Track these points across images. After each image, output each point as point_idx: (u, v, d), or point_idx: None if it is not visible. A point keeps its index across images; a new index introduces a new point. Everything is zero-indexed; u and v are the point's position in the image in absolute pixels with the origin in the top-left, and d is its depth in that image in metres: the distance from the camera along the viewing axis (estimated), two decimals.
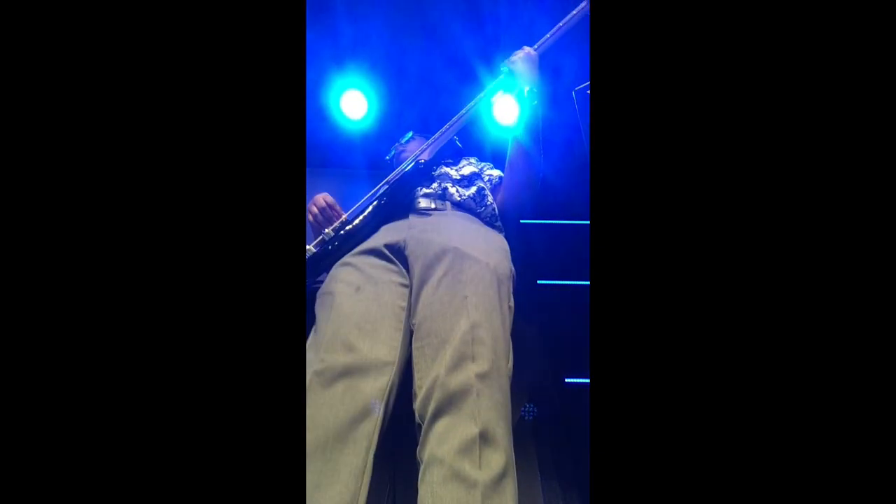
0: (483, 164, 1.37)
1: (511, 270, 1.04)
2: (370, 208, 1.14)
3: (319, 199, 1.18)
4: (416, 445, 0.78)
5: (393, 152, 1.49)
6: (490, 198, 1.24)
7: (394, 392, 0.85)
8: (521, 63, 1.23)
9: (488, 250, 1.00)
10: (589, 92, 1.35)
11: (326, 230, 1.13)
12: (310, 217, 1.19)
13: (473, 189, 1.23)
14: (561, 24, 1.27)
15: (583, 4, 1.27)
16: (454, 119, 1.25)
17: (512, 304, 0.98)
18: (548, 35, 1.27)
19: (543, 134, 1.18)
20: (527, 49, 1.26)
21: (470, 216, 1.18)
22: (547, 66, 1.27)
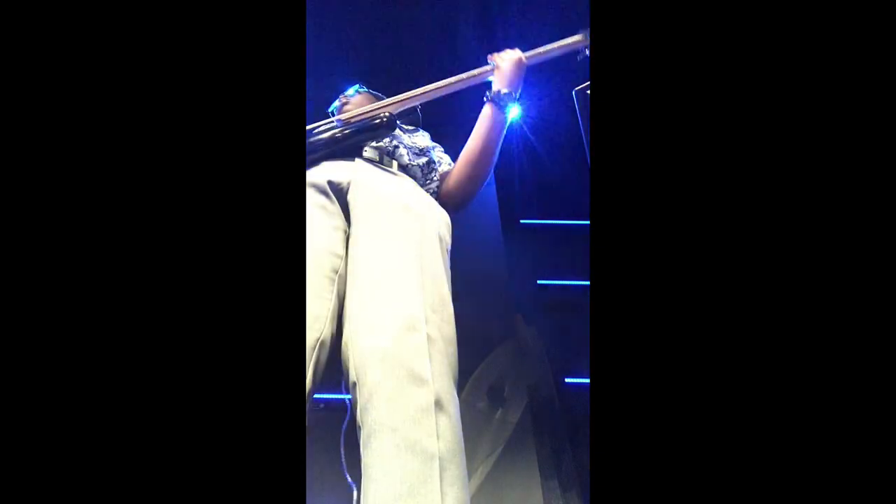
0: (435, 144, 1.31)
1: (450, 244, 0.99)
2: (326, 136, 1.06)
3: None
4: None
5: (337, 104, 1.41)
6: (436, 175, 1.19)
7: (326, 348, 0.77)
8: (509, 64, 1.17)
9: (435, 216, 0.96)
10: (589, 92, 1.33)
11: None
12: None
13: (424, 160, 1.17)
14: (557, 45, 1.21)
15: (580, 38, 1.23)
16: (428, 88, 1.20)
17: (450, 274, 0.92)
18: (542, 50, 1.22)
19: (547, 178, 1.16)
20: (519, 53, 1.20)
21: (415, 182, 1.12)
22: (534, 75, 1.24)
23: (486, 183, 1.18)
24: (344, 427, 0.82)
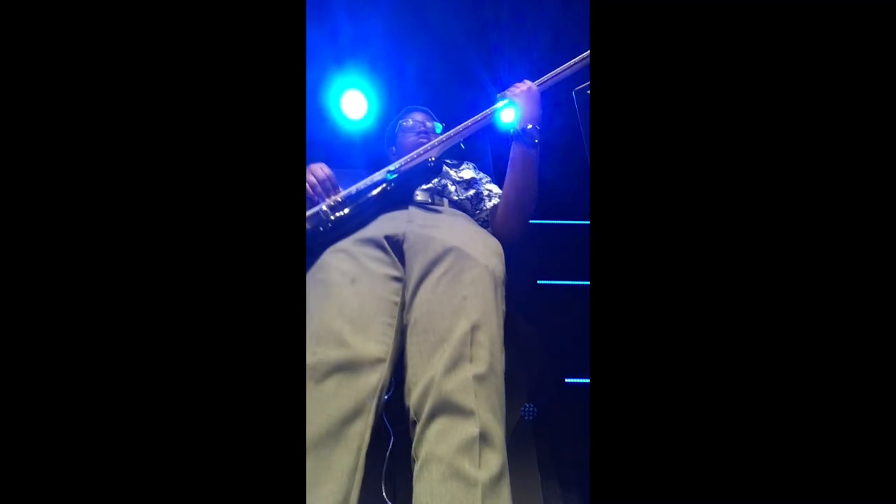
0: (482, 174, 1.37)
1: (504, 275, 1.03)
2: (375, 193, 1.11)
3: (317, 170, 1.14)
4: (408, 442, 0.78)
5: (397, 128, 1.46)
6: (486, 204, 1.24)
7: (385, 389, 0.84)
8: (522, 99, 1.18)
9: (487, 253, 1.00)
10: (589, 92, 1.33)
11: (322, 207, 1.10)
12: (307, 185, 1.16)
13: (472, 192, 1.23)
14: (566, 66, 1.22)
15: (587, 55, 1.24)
16: (466, 124, 1.23)
17: (504, 307, 0.98)
18: (552, 74, 1.23)
19: (539, 172, 1.17)
20: (528, 83, 1.21)
21: (467, 216, 1.17)
22: (546, 99, 1.25)
23: (529, 218, 1.21)
24: (385, 461, 0.90)
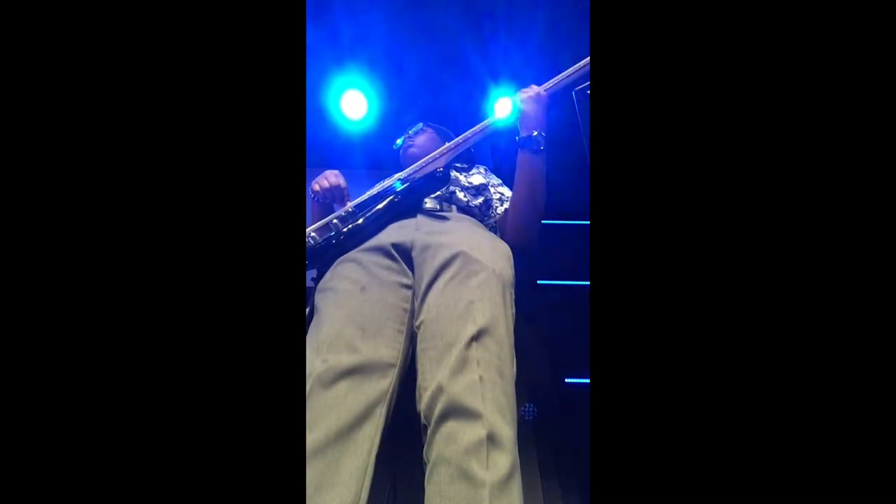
0: (492, 176, 1.37)
1: (513, 278, 1.04)
2: (383, 205, 1.13)
3: (331, 176, 1.16)
4: (416, 447, 0.78)
5: (401, 142, 1.48)
6: (496, 209, 1.25)
7: (395, 394, 0.86)
8: (528, 105, 1.19)
9: (494, 256, 1.01)
10: (589, 92, 1.33)
11: (333, 220, 1.12)
12: (315, 189, 1.18)
13: (481, 199, 1.25)
14: (574, 70, 1.22)
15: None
16: (475, 129, 1.24)
17: (514, 310, 0.99)
18: (559, 78, 1.23)
19: (547, 178, 1.17)
20: (535, 88, 1.21)
21: (475, 221, 1.18)
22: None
23: (538, 224, 1.20)
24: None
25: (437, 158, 1.23)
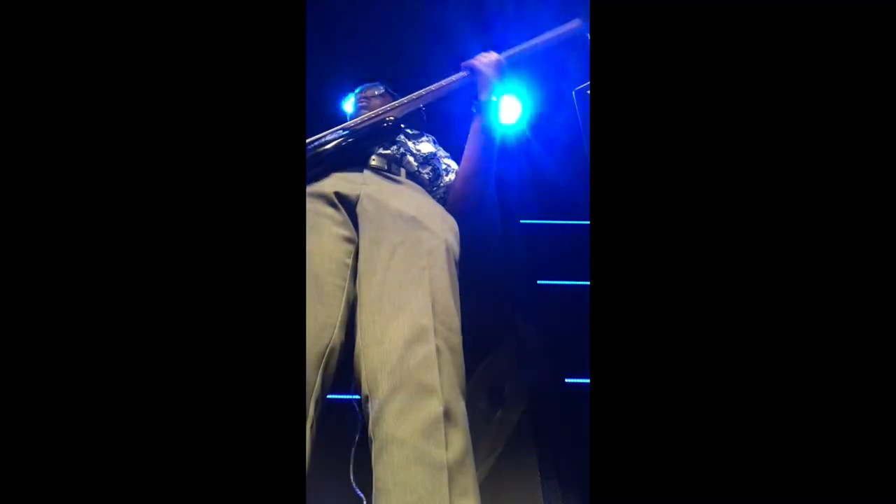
0: (440, 148, 1.28)
1: (459, 254, 0.99)
2: (331, 145, 1.06)
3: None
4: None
5: (352, 98, 1.40)
6: (443, 180, 1.18)
7: (335, 356, 0.77)
8: (486, 69, 1.15)
9: (444, 227, 0.96)
10: (589, 92, 1.33)
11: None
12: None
13: (429, 168, 1.17)
14: (539, 40, 1.19)
15: (572, 25, 1.20)
16: (430, 88, 1.19)
17: (458, 285, 0.93)
18: (520, 47, 1.20)
19: (547, 178, 1.15)
20: (494, 54, 1.17)
21: (423, 190, 1.11)
22: (534, 75, 1.22)
23: (485, 192, 1.17)
24: (354, 445, 0.81)
25: (388, 111, 1.15)
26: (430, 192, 1.14)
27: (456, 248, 0.96)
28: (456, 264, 0.94)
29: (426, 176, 1.15)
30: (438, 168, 1.19)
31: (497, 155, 1.15)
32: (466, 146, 1.14)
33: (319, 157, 1.04)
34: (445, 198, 1.18)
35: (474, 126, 1.13)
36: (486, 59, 1.16)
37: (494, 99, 1.12)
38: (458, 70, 1.21)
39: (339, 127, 1.13)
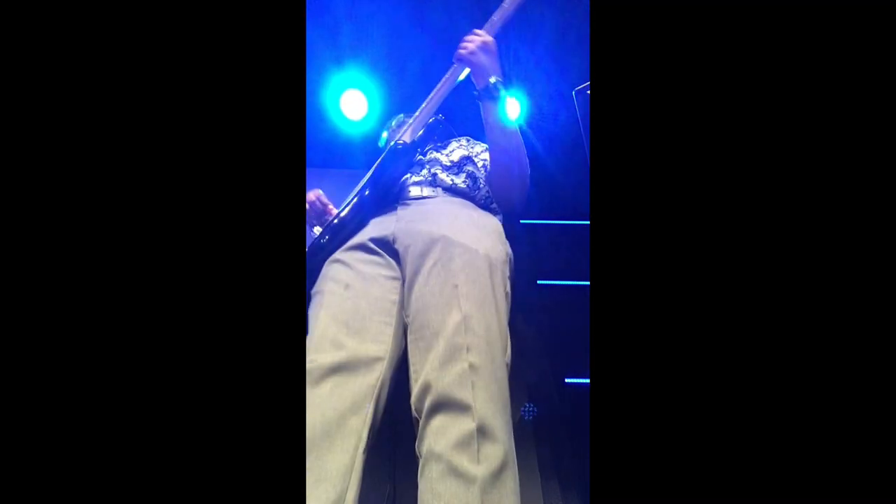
0: (476, 144, 1.25)
1: (507, 254, 0.99)
2: (354, 201, 1.10)
3: (310, 195, 1.15)
4: (415, 441, 0.77)
5: (385, 136, 1.41)
6: (483, 181, 1.16)
7: (385, 388, 0.84)
8: (478, 54, 1.08)
9: (479, 236, 0.96)
10: (589, 92, 1.33)
11: (315, 227, 1.11)
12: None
13: (464, 175, 1.16)
14: (510, 5, 1.13)
15: None
16: (431, 96, 1.15)
17: (508, 289, 0.94)
18: (495, 17, 1.13)
19: (547, 178, 1.10)
20: (481, 35, 1.10)
21: (462, 200, 1.11)
22: (534, 75, 1.17)
23: (523, 175, 1.11)
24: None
25: (401, 135, 1.13)
26: (473, 197, 1.13)
27: (497, 250, 0.96)
28: (501, 266, 0.94)
29: (463, 185, 1.14)
30: (475, 171, 1.17)
31: (518, 134, 1.10)
32: (487, 139, 1.11)
33: (353, 211, 1.08)
34: (490, 196, 1.17)
35: (483, 117, 1.09)
36: (471, 45, 1.09)
37: (493, 80, 1.06)
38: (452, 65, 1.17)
39: (366, 176, 1.13)
